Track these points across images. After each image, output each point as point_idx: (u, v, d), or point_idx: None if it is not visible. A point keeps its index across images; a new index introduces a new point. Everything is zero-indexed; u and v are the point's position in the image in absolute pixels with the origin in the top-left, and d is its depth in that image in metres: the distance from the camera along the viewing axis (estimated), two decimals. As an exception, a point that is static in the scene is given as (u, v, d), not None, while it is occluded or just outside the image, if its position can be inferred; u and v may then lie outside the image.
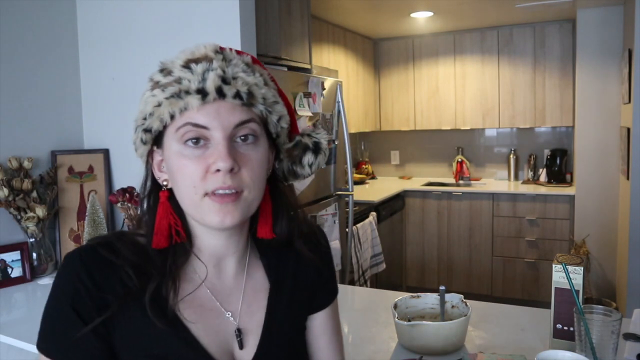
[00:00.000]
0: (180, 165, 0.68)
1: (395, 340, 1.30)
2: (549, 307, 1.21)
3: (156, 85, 0.69)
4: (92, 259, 0.69)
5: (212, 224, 0.69)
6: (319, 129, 0.84)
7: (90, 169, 2.21)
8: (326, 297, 0.88)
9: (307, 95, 2.62)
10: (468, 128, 4.67)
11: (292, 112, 0.79)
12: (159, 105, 0.68)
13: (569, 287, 1.10)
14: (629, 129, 3.00)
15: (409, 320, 1.25)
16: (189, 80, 0.67)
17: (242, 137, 0.69)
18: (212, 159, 0.67)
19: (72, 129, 2.26)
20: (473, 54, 4.56)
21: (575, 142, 4.06)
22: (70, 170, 2.16)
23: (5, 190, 1.87)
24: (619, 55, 3.66)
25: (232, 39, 1.93)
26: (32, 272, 1.96)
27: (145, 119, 0.70)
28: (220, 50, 0.71)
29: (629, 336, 1.20)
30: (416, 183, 4.77)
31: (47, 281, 1.93)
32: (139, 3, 2.11)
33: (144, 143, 0.72)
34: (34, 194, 1.96)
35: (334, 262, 0.92)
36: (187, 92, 0.66)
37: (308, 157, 0.81)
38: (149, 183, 0.76)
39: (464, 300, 1.33)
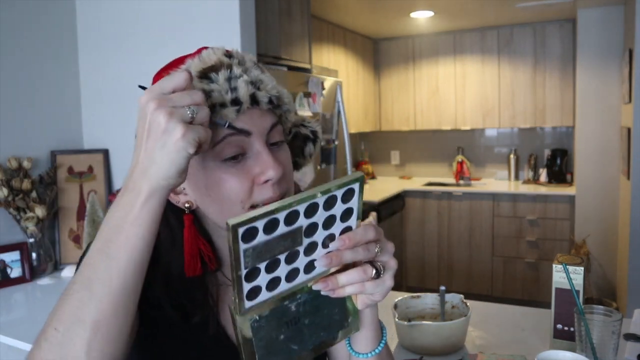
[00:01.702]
0: (221, 181, 0.62)
1: (395, 341, 1.29)
2: (549, 307, 1.21)
3: None
4: None
5: None
6: (309, 119, 0.81)
7: (90, 169, 2.21)
8: None
9: (307, 95, 2.61)
10: (468, 128, 4.67)
11: None
12: None
13: (570, 288, 1.09)
14: (629, 129, 2.99)
15: (409, 321, 1.25)
16: (217, 91, 0.61)
17: (273, 143, 0.66)
18: (257, 169, 0.63)
19: (72, 129, 2.26)
20: (473, 53, 4.56)
21: (576, 142, 4.06)
22: (70, 170, 2.16)
23: (5, 190, 1.87)
24: (620, 55, 3.66)
25: (232, 39, 1.93)
26: (32, 273, 1.96)
27: None
28: (229, 54, 0.66)
29: (630, 336, 1.20)
30: (416, 183, 4.77)
31: (46, 281, 1.93)
32: (138, 3, 2.11)
33: None
34: (34, 194, 1.96)
35: None
36: (222, 105, 0.61)
37: (309, 148, 0.78)
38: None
39: (464, 300, 1.33)
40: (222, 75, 0.62)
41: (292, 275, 0.52)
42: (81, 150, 2.23)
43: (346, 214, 0.53)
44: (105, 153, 2.24)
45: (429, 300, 1.37)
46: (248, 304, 0.50)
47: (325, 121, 2.84)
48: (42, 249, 1.99)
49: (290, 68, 2.66)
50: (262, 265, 0.49)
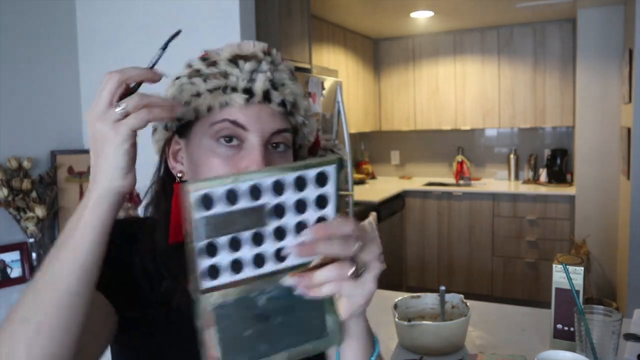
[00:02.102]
0: (209, 162, 0.64)
1: (395, 341, 1.29)
2: (549, 307, 1.21)
3: (196, 73, 0.66)
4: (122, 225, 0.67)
5: None
6: (335, 140, 0.81)
7: (90, 169, 2.20)
8: None
9: (307, 95, 2.62)
10: (468, 128, 4.67)
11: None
12: (198, 95, 0.64)
13: (570, 288, 1.09)
14: (629, 129, 2.99)
15: (409, 321, 1.25)
16: (236, 76, 0.64)
17: (274, 145, 0.66)
18: (245, 162, 0.63)
19: (72, 129, 2.26)
20: (473, 53, 4.56)
21: (576, 142, 4.06)
22: (70, 170, 2.16)
23: (5, 190, 1.87)
24: (620, 55, 3.66)
25: (232, 39, 1.92)
26: (32, 273, 1.96)
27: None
28: (268, 52, 0.68)
29: (630, 336, 1.20)
30: (416, 183, 4.77)
31: (46, 281, 1.93)
32: (138, 3, 2.11)
33: (166, 129, 0.69)
34: (34, 194, 1.96)
35: None
36: (234, 89, 0.64)
37: None
38: (162, 171, 0.73)
39: (464, 300, 1.33)
40: (248, 65, 0.65)
41: (259, 260, 0.48)
42: (81, 150, 2.23)
43: (320, 201, 0.49)
44: (105, 153, 2.24)
45: (429, 300, 1.37)
46: (209, 282, 0.47)
47: (325, 121, 2.84)
48: (42, 249, 1.99)
49: (290, 68, 2.66)
50: (223, 241, 0.46)
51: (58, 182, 2.12)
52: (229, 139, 0.64)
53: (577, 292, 1.09)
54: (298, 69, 2.76)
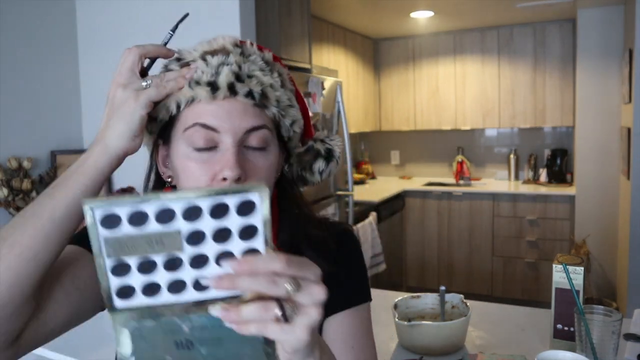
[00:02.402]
0: (186, 167, 0.65)
1: (395, 341, 1.30)
2: (549, 307, 1.21)
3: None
4: None
5: None
6: (333, 135, 0.80)
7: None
8: (340, 301, 0.77)
9: (307, 95, 2.61)
10: (468, 128, 4.67)
11: (307, 116, 0.76)
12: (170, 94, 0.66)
13: (570, 287, 1.09)
14: (629, 129, 2.99)
15: (409, 321, 1.25)
16: (202, 71, 0.64)
17: (251, 146, 0.66)
18: (219, 165, 0.63)
19: (72, 129, 2.26)
20: (473, 53, 4.56)
21: (576, 142, 4.06)
22: (70, 170, 2.16)
23: (5, 191, 1.87)
24: (620, 55, 3.66)
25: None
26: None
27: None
28: (240, 44, 0.68)
29: (630, 336, 1.20)
30: (416, 183, 4.77)
31: (46, 281, 1.93)
32: (138, 3, 2.11)
33: (150, 132, 0.70)
34: (34, 194, 1.96)
35: (358, 266, 0.83)
36: (198, 83, 0.64)
37: (319, 164, 0.77)
38: (152, 176, 0.74)
39: (464, 300, 1.33)
40: (215, 60, 0.65)
41: (176, 286, 0.45)
42: (81, 150, 2.23)
43: (247, 232, 0.45)
44: (105, 153, 2.24)
45: (429, 300, 1.37)
46: (120, 302, 0.45)
47: (325, 121, 2.84)
48: (42, 249, 1.99)
49: (290, 68, 2.66)
50: (132, 262, 0.44)
51: (58, 182, 2.12)
52: (202, 148, 0.65)
53: (577, 292, 1.09)
54: (298, 69, 2.76)
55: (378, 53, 4.96)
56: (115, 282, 0.44)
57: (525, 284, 4.19)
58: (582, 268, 1.12)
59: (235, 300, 0.45)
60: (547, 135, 4.62)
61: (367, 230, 3.48)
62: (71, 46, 2.25)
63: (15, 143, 2.00)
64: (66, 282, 0.64)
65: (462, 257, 4.41)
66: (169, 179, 0.72)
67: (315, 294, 0.44)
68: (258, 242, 0.45)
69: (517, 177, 4.68)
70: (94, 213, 0.42)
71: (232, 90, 0.64)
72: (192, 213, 0.43)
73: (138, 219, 0.42)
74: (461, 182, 4.62)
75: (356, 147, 5.15)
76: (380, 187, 4.54)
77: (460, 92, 4.64)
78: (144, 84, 0.61)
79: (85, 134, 2.30)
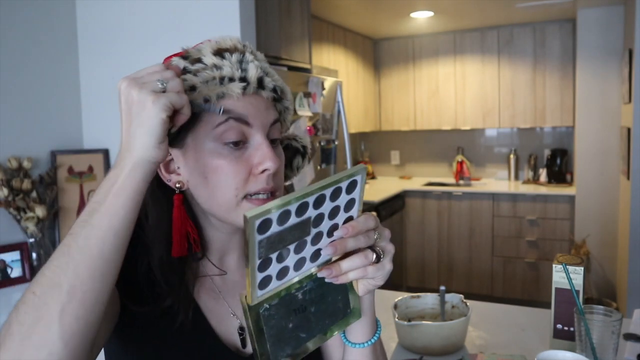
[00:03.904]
0: (217, 166, 0.64)
1: (395, 341, 1.30)
2: (549, 307, 1.21)
3: (182, 71, 0.64)
4: None
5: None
6: (299, 136, 0.83)
7: (90, 169, 2.21)
8: None
9: (307, 95, 2.61)
10: (468, 128, 4.67)
11: None
12: (193, 89, 0.63)
13: (569, 288, 1.09)
14: (629, 129, 2.99)
15: (409, 321, 1.25)
16: (229, 67, 0.64)
17: (271, 138, 0.68)
18: (256, 159, 0.64)
19: (72, 129, 2.26)
20: (473, 54, 4.56)
21: (576, 142, 4.06)
22: (70, 170, 2.16)
23: (5, 190, 1.87)
24: (620, 55, 3.66)
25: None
26: (32, 273, 1.96)
27: None
28: (244, 44, 0.69)
29: (630, 336, 1.20)
30: (416, 183, 4.77)
31: (46, 281, 1.93)
32: (138, 3, 2.11)
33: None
34: (34, 194, 1.96)
35: None
36: (231, 79, 0.64)
37: (297, 160, 0.80)
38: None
39: (464, 300, 1.33)
40: (235, 57, 0.65)
41: (299, 264, 0.54)
42: (81, 150, 2.23)
43: (349, 204, 0.55)
44: (105, 153, 2.25)
45: (429, 300, 1.37)
46: (260, 293, 0.52)
47: (325, 121, 2.84)
48: (42, 249, 1.99)
49: (290, 68, 2.66)
50: (274, 256, 0.50)
51: (58, 182, 2.12)
52: (235, 143, 0.64)
53: (577, 292, 1.09)
54: (298, 69, 2.76)
55: (378, 53, 4.96)
56: (259, 278, 0.51)
57: (525, 284, 4.19)
58: (582, 268, 1.12)
59: (326, 262, 0.57)
60: (547, 135, 4.62)
61: (367, 230, 3.48)
62: (71, 46, 2.25)
63: (15, 143, 2.00)
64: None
65: (462, 257, 4.41)
66: (179, 185, 0.68)
67: (386, 235, 0.61)
68: (354, 210, 0.57)
69: (517, 177, 4.68)
70: (254, 223, 0.46)
71: (260, 84, 0.66)
72: (320, 201, 0.51)
73: (284, 218, 0.49)
74: (461, 182, 4.62)
75: (356, 147, 5.15)
76: (380, 187, 4.54)
77: (460, 92, 4.64)
78: (160, 84, 0.55)
79: (85, 134, 2.30)
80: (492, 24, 4.40)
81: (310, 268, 0.56)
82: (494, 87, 4.50)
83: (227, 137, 0.64)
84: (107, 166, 2.24)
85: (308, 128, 2.58)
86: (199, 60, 0.65)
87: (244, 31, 1.95)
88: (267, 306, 0.54)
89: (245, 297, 0.52)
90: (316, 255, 0.55)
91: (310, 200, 0.50)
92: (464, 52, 4.60)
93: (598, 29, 3.76)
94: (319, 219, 0.53)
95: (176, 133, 0.63)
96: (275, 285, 0.53)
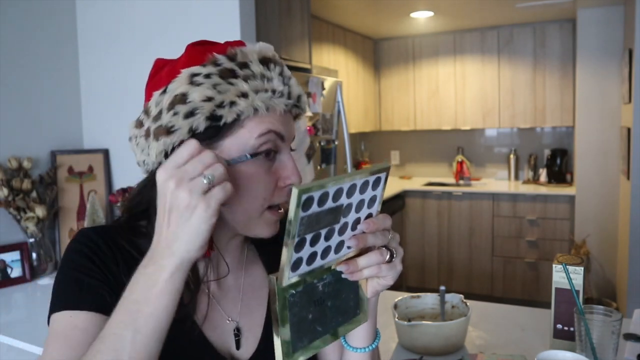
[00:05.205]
0: (252, 175, 0.64)
1: (395, 341, 1.29)
2: (549, 307, 1.21)
3: (230, 73, 0.63)
4: (107, 235, 0.68)
5: (261, 235, 0.69)
6: None
7: (90, 169, 2.21)
8: None
9: (307, 95, 2.61)
10: (468, 128, 4.67)
11: None
12: (244, 96, 0.62)
13: (569, 288, 1.09)
14: (629, 129, 2.99)
15: (409, 321, 1.25)
16: (278, 81, 0.65)
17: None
18: (284, 172, 0.67)
19: (72, 129, 2.26)
20: (473, 54, 4.56)
21: (576, 142, 4.06)
22: (70, 170, 2.16)
23: (5, 190, 1.87)
24: (620, 55, 3.66)
25: (232, 39, 1.92)
26: (32, 272, 1.96)
27: (220, 105, 0.61)
28: (280, 56, 0.71)
29: (630, 336, 1.20)
30: (416, 183, 4.77)
31: (47, 281, 1.93)
32: (138, 3, 2.11)
33: (193, 131, 0.62)
34: (34, 194, 1.96)
35: None
36: (281, 95, 0.65)
37: None
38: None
39: (464, 300, 1.33)
40: (277, 69, 0.67)
41: (325, 252, 0.55)
42: (81, 150, 2.23)
43: (372, 201, 0.57)
44: (105, 153, 2.25)
45: (429, 300, 1.37)
46: (291, 274, 0.52)
47: (325, 121, 2.84)
48: (42, 249, 1.99)
49: (290, 68, 2.64)
50: (308, 237, 0.51)
51: (58, 182, 2.12)
52: (267, 153, 0.65)
53: (577, 292, 1.09)
54: (298, 69, 2.76)
55: (378, 53, 4.96)
56: (294, 258, 0.51)
57: (525, 284, 4.19)
58: (582, 268, 1.12)
59: (346, 255, 0.58)
60: (547, 135, 4.62)
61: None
62: (71, 46, 2.25)
63: (15, 143, 2.00)
64: None
65: (462, 257, 4.41)
66: None
67: (397, 237, 0.62)
68: (374, 208, 0.58)
69: (517, 177, 4.68)
70: (301, 197, 0.47)
71: (298, 102, 0.69)
72: (352, 190, 0.53)
73: (323, 199, 0.50)
74: (461, 182, 4.62)
75: (356, 147, 5.15)
76: (380, 187, 4.54)
77: (460, 92, 4.64)
78: (205, 181, 0.52)
79: (85, 134, 2.30)
80: (492, 24, 4.40)
81: (332, 260, 0.56)
82: (494, 87, 4.50)
83: (265, 145, 0.65)
84: (107, 166, 2.24)
85: (308, 128, 2.58)
86: (246, 66, 0.64)
87: (244, 31, 1.95)
88: (294, 292, 0.53)
89: (277, 278, 0.51)
90: (339, 246, 0.56)
91: (345, 187, 0.51)
92: (464, 52, 4.60)
93: (598, 29, 3.76)
94: (348, 209, 0.54)
95: (209, 132, 0.63)
96: (304, 270, 0.53)
